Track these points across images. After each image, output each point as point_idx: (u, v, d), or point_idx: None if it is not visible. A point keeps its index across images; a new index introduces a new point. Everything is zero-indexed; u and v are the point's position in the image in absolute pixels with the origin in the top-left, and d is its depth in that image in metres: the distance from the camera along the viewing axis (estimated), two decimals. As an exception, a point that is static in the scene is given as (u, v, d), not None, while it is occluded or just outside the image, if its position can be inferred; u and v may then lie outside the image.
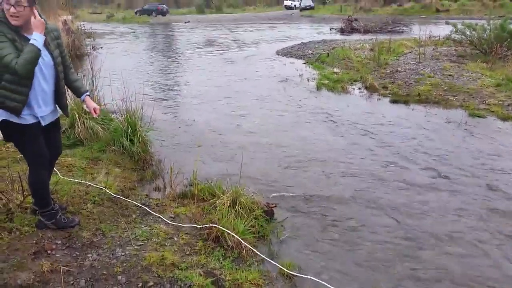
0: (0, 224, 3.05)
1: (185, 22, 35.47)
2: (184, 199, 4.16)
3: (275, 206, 3.95)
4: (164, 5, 46.75)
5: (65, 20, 14.81)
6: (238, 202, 3.70)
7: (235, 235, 3.29)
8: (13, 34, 2.61)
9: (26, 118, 2.78)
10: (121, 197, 3.90)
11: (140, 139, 5.34)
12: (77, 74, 6.14)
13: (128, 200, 3.90)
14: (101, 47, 16.24)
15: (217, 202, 3.75)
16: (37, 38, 2.58)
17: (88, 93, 3.25)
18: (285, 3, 57.95)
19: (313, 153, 5.59)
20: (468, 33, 11.49)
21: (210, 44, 18.98)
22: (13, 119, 2.75)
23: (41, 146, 2.90)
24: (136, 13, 44.78)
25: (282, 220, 3.87)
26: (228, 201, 3.69)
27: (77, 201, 3.68)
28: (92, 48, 13.33)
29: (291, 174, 4.96)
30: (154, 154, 5.50)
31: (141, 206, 3.82)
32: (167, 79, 11.16)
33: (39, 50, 2.59)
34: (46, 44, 2.75)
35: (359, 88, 9.29)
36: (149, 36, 25.51)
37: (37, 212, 3.11)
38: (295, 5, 54.81)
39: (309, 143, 6.00)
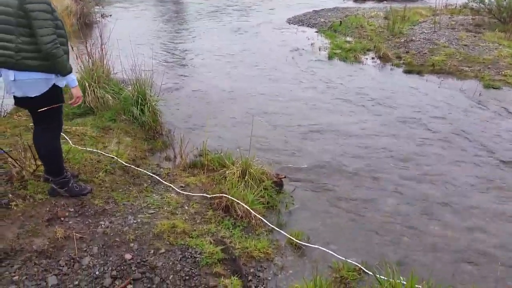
0: (14, 191, 3.12)
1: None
2: (194, 169, 4.20)
3: (285, 177, 3.96)
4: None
5: (73, -13, 14.55)
6: (247, 172, 3.72)
7: (244, 205, 3.32)
8: None
9: (63, 81, 2.96)
10: (132, 166, 3.94)
11: (150, 108, 5.33)
12: (87, 43, 6.15)
13: (139, 169, 3.94)
14: (110, 15, 15.96)
15: (227, 172, 3.77)
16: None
17: None
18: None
19: (324, 125, 5.55)
20: (486, 0, 11.06)
21: (218, 12, 18.60)
22: (59, 83, 2.92)
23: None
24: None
25: (291, 191, 3.89)
26: (238, 172, 3.71)
27: (89, 170, 3.72)
28: (101, 16, 13.16)
29: (300, 145, 4.95)
30: (164, 124, 5.51)
31: (152, 175, 3.86)
32: (176, 48, 11.02)
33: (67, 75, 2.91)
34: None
35: (372, 58, 9.10)
36: (157, 2, 25.04)
37: (50, 180, 3.16)
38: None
39: (320, 114, 5.95)
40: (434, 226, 3.44)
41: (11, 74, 2.74)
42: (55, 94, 2.92)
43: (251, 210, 3.29)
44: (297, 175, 4.21)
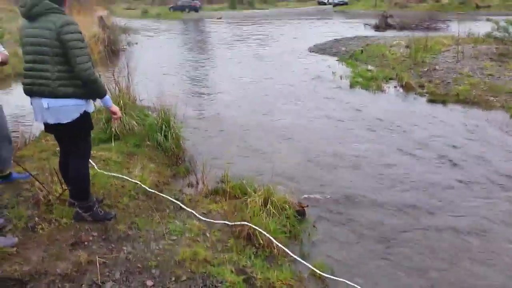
0: (40, 215, 3.17)
1: (217, 18, 35.67)
2: (216, 195, 4.20)
3: (307, 206, 3.92)
4: (197, 1, 47.15)
5: (101, 16, 15.19)
6: (270, 200, 3.70)
7: (266, 234, 3.28)
8: None
9: (91, 106, 3.10)
10: (155, 192, 3.97)
11: (174, 135, 5.42)
12: (114, 71, 6.35)
13: (162, 195, 3.96)
14: (136, 43, 16.56)
15: (249, 200, 3.75)
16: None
17: None
18: (318, -2, 57.23)
19: (347, 154, 5.50)
20: (511, 30, 10.97)
21: (241, 40, 19.02)
22: (89, 108, 3.04)
23: None
24: (170, 9, 45.36)
25: (314, 221, 3.84)
26: (260, 200, 3.69)
27: (114, 195, 3.77)
28: (127, 43, 13.62)
29: (323, 174, 4.90)
30: (187, 150, 5.57)
31: (174, 201, 3.87)
32: (199, 75, 11.27)
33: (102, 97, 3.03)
34: None
35: (395, 87, 9.07)
36: (182, 31, 25.84)
37: (75, 204, 3.21)
38: (328, 0, 54.04)
39: (342, 142, 5.91)
40: (465, 262, 3.31)
41: (44, 102, 2.84)
42: (85, 120, 3.01)
43: (273, 240, 3.24)
44: (320, 205, 4.15)
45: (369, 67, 11.05)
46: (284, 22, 29.82)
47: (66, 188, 3.27)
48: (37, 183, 3.42)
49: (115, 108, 3.17)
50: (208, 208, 3.84)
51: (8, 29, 17.04)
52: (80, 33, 2.81)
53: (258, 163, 5.09)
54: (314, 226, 3.74)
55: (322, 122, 6.86)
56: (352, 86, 9.26)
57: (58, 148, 4.75)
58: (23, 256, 2.74)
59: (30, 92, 2.90)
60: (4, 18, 22.90)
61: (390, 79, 9.63)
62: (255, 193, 3.85)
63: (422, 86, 8.89)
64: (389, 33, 18.80)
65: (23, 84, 2.93)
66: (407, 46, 13.03)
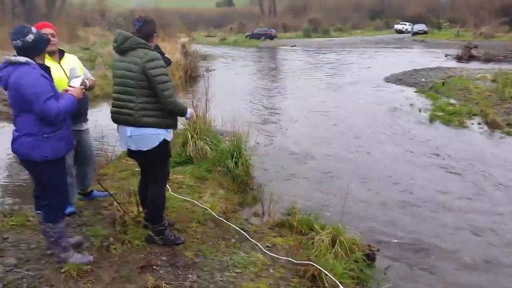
0: (116, 235, 3.33)
1: (292, 46, 36.17)
2: (282, 228, 4.12)
3: (378, 250, 3.70)
4: (273, 30, 48.41)
5: (184, 44, 16.13)
6: (338, 240, 3.54)
7: (332, 277, 3.13)
8: None
9: (171, 135, 3.23)
10: (223, 220, 4.00)
11: (244, 162, 5.48)
12: (193, 96, 6.64)
13: (229, 223, 3.98)
14: (214, 69, 17.30)
15: (316, 238, 3.63)
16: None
17: None
18: (396, 26, 55.92)
19: (425, 195, 5.15)
20: None
21: (315, 68, 19.05)
22: (168, 137, 3.18)
23: None
24: (246, 37, 47.05)
25: (385, 267, 3.60)
26: (328, 239, 3.55)
27: (184, 219, 3.86)
28: (206, 70, 14.26)
29: (397, 217, 4.62)
30: (255, 178, 5.59)
31: (240, 231, 3.87)
32: (272, 103, 11.41)
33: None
34: None
35: (479, 123, 8.44)
36: (257, 59, 26.59)
37: (149, 227, 3.33)
38: (406, 29, 52.54)
39: (419, 183, 5.56)
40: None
41: (128, 130, 3.05)
42: (164, 148, 3.16)
43: (340, 285, 3.08)
44: (391, 249, 3.90)
45: (451, 101, 10.42)
46: (360, 50, 29.44)
47: (142, 211, 3.41)
48: (115, 203, 3.62)
49: (193, 114, 3.41)
50: (273, 242, 3.77)
51: (100, 53, 18.78)
52: (164, 67, 3.00)
53: (327, 198, 4.95)
54: (384, 274, 3.51)
55: (398, 158, 6.54)
56: (431, 120, 8.77)
57: (137, 169, 5.06)
58: (96, 274, 2.88)
59: (116, 120, 3.13)
60: (97, 42, 25.29)
61: (474, 115, 8.99)
62: (322, 230, 3.72)
63: (509, 124, 8.16)
64: (473, 65, 17.72)
65: (111, 112, 3.16)
66: (493, 80, 12.18)
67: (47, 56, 3.36)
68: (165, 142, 3.16)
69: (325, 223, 3.91)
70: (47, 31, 3.35)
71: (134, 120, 3.01)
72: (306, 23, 55.40)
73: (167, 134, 3.16)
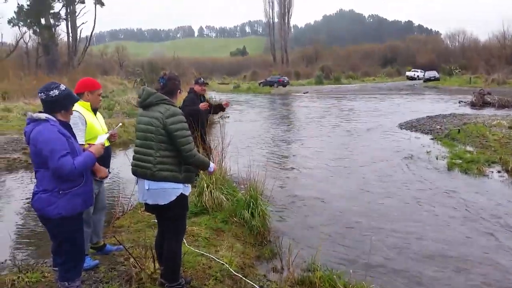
0: (132, 293, 3.21)
1: (304, 93, 36.82)
2: (303, 286, 3.94)
3: (406, 310, 3.48)
4: (285, 77, 49.57)
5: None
6: (363, 300, 3.36)
7: None
8: None
9: (188, 190, 3.24)
10: (241, 276, 3.85)
11: (260, 213, 5.37)
12: (209, 144, 6.67)
13: (248, 280, 3.83)
14: (228, 116, 17.55)
15: (340, 298, 3.45)
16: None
17: None
18: (407, 73, 56.79)
19: (449, 248, 4.92)
20: None
21: (328, 115, 19.20)
22: (186, 191, 3.18)
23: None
24: (259, 84, 48.17)
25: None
26: (353, 298, 3.37)
27: (200, 275, 3.73)
28: (220, 117, 14.45)
29: (421, 271, 4.40)
30: (272, 230, 5.45)
31: (259, 289, 3.71)
32: (287, 149, 11.41)
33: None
34: None
35: (499, 172, 8.23)
36: (270, 105, 27.01)
37: (165, 285, 3.21)
38: (418, 75, 53.29)
39: (444, 235, 5.33)
40: None
41: (146, 184, 3.05)
42: (181, 203, 3.12)
43: None
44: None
45: (468, 148, 10.26)
46: (372, 97, 29.75)
47: (159, 267, 3.31)
48: (131, 258, 3.53)
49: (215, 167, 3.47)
50: (295, 301, 3.60)
51: (118, 101, 19.31)
52: (185, 122, 3.03)
53: (348, 252, 4.76)
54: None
55: (419, 209, 6.34)
56: (450, 168, 8.60)
57: (153, 220, 4.99)
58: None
59: (135, 173, 3.13)
60: (115, 90, 26.10)
61: (493, 162, 8.79)
62: (346, 288, 3.55)
63: (532, 173, 7.95)
64: (488, 112, 17.66)
65: (131, 164, 3.17)
66: (510, 127, 12.06)
67: (90, 111, 3.54)
68: (182, 197, 3.13)
69: (348, 281, 3.72)
70: (100, 91, 3.75)
71: (152, 174, 3.02)
72: (318, 71, 56.68)
73: (184, 189, 3.15)
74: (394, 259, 4.65)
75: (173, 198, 3.07)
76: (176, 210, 3.15)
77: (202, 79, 7.03)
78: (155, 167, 3.02)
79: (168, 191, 3.06)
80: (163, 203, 3.07)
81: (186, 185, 3.16)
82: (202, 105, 6.50)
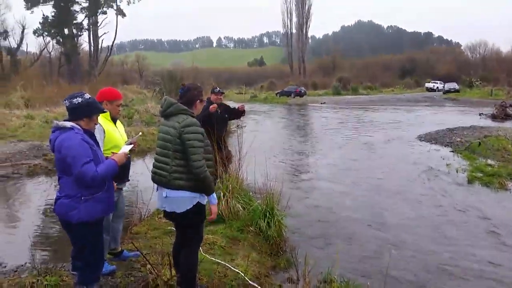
0: (147, 300, 3.23)
1: (321, 103, 36.69)
2: (319, 297, 3.90)
3: (425, 325, 3.40)
4: (302, 88, 49.54)
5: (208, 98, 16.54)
6: (381, 314, 3.29)
7: None
8: None
9: (205, 198, 3.24)
10: (256, 286, 3.83)
11: (277, 222, 5.35)
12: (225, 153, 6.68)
13: (263, 290, 3.81)
14: (245, 126, 17.61)
15: (357, 310, 3.39)
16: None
17: None
18: (427, 85, 56.11)
19: (468, 264, 4.80)
20: None
21: (345, 126, 19.07)
22: (203, 200, 3.19)
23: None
24: (276, 94, 48.25)
25: None
26: (370, 312, 3.31)
27: (216, 284, 3.72)
28: (237, 126, 14.52)
29: (439, 284, 4.30)
30: (288, 240, 5.42)
31: (275, 300, 3.68)
32: (304, 160, 11.37)
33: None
34: None
35: (521, 186, 8.02)
36: (287, 116, 27.00)
37: (182, 294, 3.22)
38: (437, 87, 52.59)
39: (463, 250, 5.22)
40: None
41: (164, 192, 3.10)
42: (198, 210, 3.14)
43: None
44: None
45: (489, 161, 10.04)
46: (391, 108, 29.47)
47: (175, 274, 3.33)
48: (148, 265, 3.55)
49: (215, 208, 3.32)
50: (311, 313, 3.55)
51: (137, 110, 19.60)
52: (200, 133, 3.08)
53: (366, 264, 4.69)
54: None
55: (439, 222, 6.21)
56: (470, 181, 8.43)
57: (170, 227, 5.02)
58: None
59: (154, 180, 3.20)
60: (135, 99, 26.52)
61: (516, 176, 8.58)
62: (363, 301, 3.49)
63: (557, 187, 7.72)
64: (509, 124, 17.28)
65: (151, 172, 3.22)
66: (533, 140, 11.76)
67: (109, 121, 3.62)
68: (199, 205, 3.17)
69: (365, 293, 3.66)
70: (119, 102, 3.82)
71: (167, 182, 3.08)
72: (336, 81, 56.48)
73: (201, 198, 3.18)
74: (412, 273, 4.56)
75: (189, 206, 3.11)
76: (192, 219, 3.18)
77: (218, 88, 7.03)
78: (170, 176, 3.08)
79: (186, 200, 3.10)
80: (179, 211, 3.11)
81: (203, 194, 3.19)
82: (211, 107, 6.44)
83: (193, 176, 3.06)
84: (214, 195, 3.25)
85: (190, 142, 3.01)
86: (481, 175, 8.72)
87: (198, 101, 3.26)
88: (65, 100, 2.84)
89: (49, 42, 38.90)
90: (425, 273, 4.59)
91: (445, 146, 12.52)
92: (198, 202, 3.15)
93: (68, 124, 2.77)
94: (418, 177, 8.89)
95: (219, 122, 6.51)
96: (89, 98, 2.85)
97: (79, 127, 2.79)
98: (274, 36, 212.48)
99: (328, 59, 75.79)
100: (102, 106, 3.63)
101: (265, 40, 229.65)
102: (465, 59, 69.20)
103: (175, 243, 3.39)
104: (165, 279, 3.42)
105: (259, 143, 12.77)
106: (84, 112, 2.84)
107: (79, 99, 2.81)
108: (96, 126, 3.42)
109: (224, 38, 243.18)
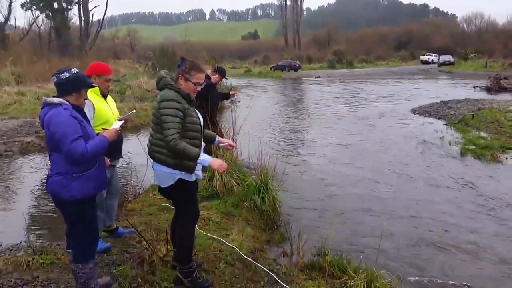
0: (144, 276, 3.26)
1: (316, 77, 36.45)
2: (313, 270, 3.96)
3: (416, 296, 3.49)
4: (297, 61, 49.07)
5: (208, 74, 16.37)
6: (373, 286, 3.36)
7: (369, 326, 2.95)
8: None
9: (196, 174, 3.19)
10: (251, 260, 3.88)
11: (271, 197, 5.38)
12: (220, 127, 6.66)
13: (258, 264, 3.86)
14: (239, 101, 17.47)
15: (350, 283, 3.45)
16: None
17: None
18: (422, 57, 55.80)
19: (461, 234, 4.90)
20: None
21: (340, 100, 19.01)
22: (186, 177, 3.11)
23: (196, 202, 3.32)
24: (271, 68, 47.77)
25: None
26: (362, 284, 3.37)
27: (211, 259, 3.77)
28: (231, 101, 14.41)
29: (432, 257, 4.39)
30: (282, 214, 5.47)
31: (270, 273, 3.74)
32: (298, 135, 11.36)
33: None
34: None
35: (513, 158, 8.10)
36: (281, 90, 26.82)
37: (177, 268, 3.25)
38: (432, 60, 52.33)
39: (456, 220, 5.30)
40: None
41: (152, 164, 3.17)
42: (182, 188, 3.13)
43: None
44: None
45: (482, 134, 10.11)
46: (385, 81, 29.34)
47: (171, 249, 3.35)
48: (143, 241, 3.57)
49: (214, 163, 3.12)
50: (304, 286, 3.62)
51: (130, 85, 19.35)
52: (175, 108, 2.98)
53: (359, 237, 4.77)
54: (424, 323, 3.29)
55: (431, 194, 6.29)
56: (463, 154, 8.49)
57: (165, 204, 5.04)
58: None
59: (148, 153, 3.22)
60: (127, 74, 26.16)
61: (508, 148, 8.65)
62: (356, 274, 3.55)
63: (549, 159, 7.81)
64: (503, 97, 17.29)
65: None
66: (527, 112, 11.80)
67: (98, 96, 3.55)
68: (182, 181, 3.12)
69: (359, 266, 3.72)
70: (108, 77, 3.74)
71: (150, 153, 3.16)
72: (330, 55, 55.95)
73: (184, 175, 3.11)
74: (405, 245, 4.64)
75: (172, 182, 3.09)
76: (177, 195, 3.20)
77: (226, 75, 6.88)
78: (151, 148, 3.14)
79: (167, 175, 3.09)
80: (163, 186, 3.16)
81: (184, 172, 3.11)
82: (214, 78, 6.50)
83: (169, 152, 3.01)
84: (203, 157, 3.05)
85: (163, 117, 2.98)
86: (474, 147, 8.78)
87: (181, 76, 3.11)
88: (53, 76, 2.77)
89: (38, 16, 38.02)
90: (417, 244, 4.67)
91: (438, 119, 12.56)
92: (180, 178, 3.10)
93: (57, 100, 2.72)
94: (411, 151, 8.94)
95: (213, 98, 6.49)
96: (77, 72, 2.78)
97: (67, 103, 2.74)
98: (268, 8, 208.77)
99: (323, 32, 74.83)
100: (91, 80, 3.56)
101: (259, 12, 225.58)
102: (461, 31, 68.62)
103: (173, 219, 3.41)
104: (160, 255, 3.46)
105: (254, 118, 12.73)
106: (72, 87, 2.78)
107: (66, 74, 2.75)
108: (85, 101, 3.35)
109: (217, 10, 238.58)
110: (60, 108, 2.69)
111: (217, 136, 3.58)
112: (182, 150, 2.94)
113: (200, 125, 3.21)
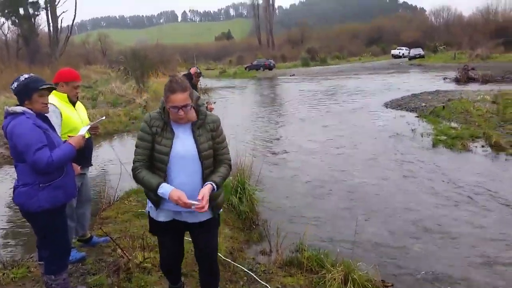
0: (120, 284, 3.21)
1: (290, 75, 36.65)
2: (291, 267, 3.99)
3: (392, 286, 3.56)
4: (271, 60, 49.27)
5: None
6: (350, 278, 3.41)
7: (347, 319, 2.99)
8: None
9: (161, 214, 2.59)
10: (230, 261, 3.88)
11: (249, 197, 5.39)
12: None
13: (237, 264, 3.86)
14: (215, 102, 17.43)
15: (327, 276, 3.50)
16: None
17: (211, 183, 2.47)
18: (393, 52, 56.85)
19: (434, 223, 5.02)
20: None
21: (314, 97, 19.18)
22: (153, 214, 2.62)
23: (166, 247, 2.78)
24: (246, 68, 47.79)
25: (401, 304, 3.45)
26: (340, 277, 3.42)
27: (189, 262, 3.74)
28: (207, 103, 14.36)
29: (409, 247, 4.48)
30: (260, 213, 5.49)
31: (248, 273, 3.74)
32: (274, 133, 11.41)
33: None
34: (195, 136, 2.52)
35: (482, 146, 8.36)
36: (257, 89, 26.88)
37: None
38: (403, 53, 53.38)
39: (429, 210, 5.44)
40: None
41: None
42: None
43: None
44: (406, 283, 3.75)
45: (453, 124, 10.40)
46: (357, 77, 29.77)
47: (148, 256, 3.31)
48: (119, 249, 3.52)
49: (173, 196, 2.35)
50: (283, 282, 3.64)
51: (102, 91, 19.00)
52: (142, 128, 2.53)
53: (335, 232, 4.83)
54: (401, 311, 3.36)
55: (404, 186, 6.44)
56: (435, 145, 8.72)
57: (140, 210, 4.97)
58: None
59: None
60: (99, 80, 25.66)
61: (477, 137, 8.92)
62: (333, 267, 3.60)
63: (514, 146, 8.08)
64: (472, 87, 17.81)
65: None
66: (493, 102, 12.20)
67: (66, 103, 3.44)
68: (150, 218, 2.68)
69: (336, 260, 3.78)
70: (76, 84, 3.59)
71: None
72: (304, 53, 56.38)
73: (150, 208, 2.65)
74: (380, 236, 4.73)
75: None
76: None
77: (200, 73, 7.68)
78: None
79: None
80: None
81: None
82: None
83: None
84: (162, 187, 2.39)
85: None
86: (445, 138, 9.02)
87: (36, 93, 2.69)
88: (10, 87, 2.70)
89: (3, 23, 36.80)
90: (391, 235, 4.77)
91: (410, 112, 12.84)
92: (148, 211, 2.69)
93: (19, 109, 2.63)
94: (384, 144, 9.11)
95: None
96: (25, 79, 2.67)
97: (31, 112, 2.65)
98: (240, 8, 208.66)
99: (296, 31, 75.34)
100: (59, 87, 3.47)
101: (232, 12, 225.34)
102: (429, 25, 70.27)
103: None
104: (137, 262, 3.42)
105: (230, 119, 12.71)
106: (24, 95, 2.66)
107: (15, 84, 2.66)
108: (52, 109, 3.23)
109: (189, 11, 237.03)
110: (23, 117, 2.61)
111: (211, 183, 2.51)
112: (139, 181, 2.47)
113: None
